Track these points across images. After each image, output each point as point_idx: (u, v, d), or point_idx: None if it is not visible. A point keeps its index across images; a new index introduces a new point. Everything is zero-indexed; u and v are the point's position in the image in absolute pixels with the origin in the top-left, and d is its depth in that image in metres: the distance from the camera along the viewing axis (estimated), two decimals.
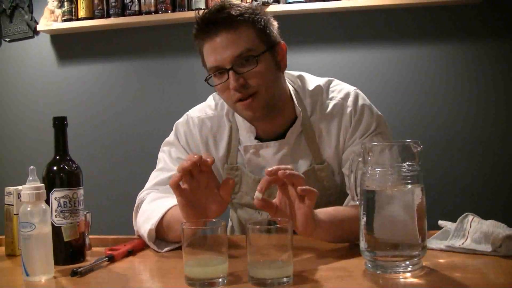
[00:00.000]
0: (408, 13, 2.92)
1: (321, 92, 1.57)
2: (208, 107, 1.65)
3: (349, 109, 1.53)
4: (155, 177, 1.59)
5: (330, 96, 1.57)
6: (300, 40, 2.96)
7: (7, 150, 3.33)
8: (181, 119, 1.67)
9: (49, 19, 3.04)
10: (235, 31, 1.39)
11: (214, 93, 1.66)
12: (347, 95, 1.56)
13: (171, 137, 1.66)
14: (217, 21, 1.40)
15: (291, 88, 1.57)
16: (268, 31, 1.45)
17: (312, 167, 1.55)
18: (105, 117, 3.23)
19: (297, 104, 1.54)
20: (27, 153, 3.23)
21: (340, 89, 1.59)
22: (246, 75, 1.40)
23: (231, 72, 1.39)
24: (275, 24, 1.50)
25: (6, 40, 3.30)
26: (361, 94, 1.58)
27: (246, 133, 1.57)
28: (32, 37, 3.26)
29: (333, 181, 1.57)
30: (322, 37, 3.02)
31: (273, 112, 1.49)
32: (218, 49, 1.40)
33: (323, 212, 1.27)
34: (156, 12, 2.97)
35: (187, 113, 1.67)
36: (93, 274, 1.17)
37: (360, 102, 1.55)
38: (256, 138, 1.56)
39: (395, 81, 2.97)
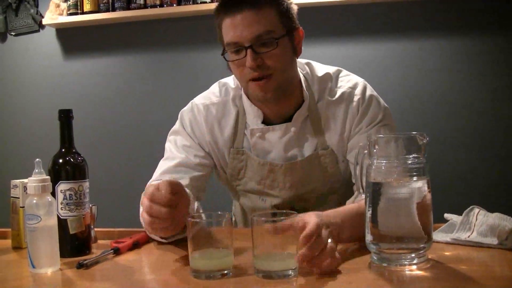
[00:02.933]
0: (420, 5, 2.90)
1: (330, 79, 1.58)
2: (213, 94, 1.65)
3: (357, 98, 1.54)
4: (161, 166, 1.60)
5: (339, 84, 1.58)
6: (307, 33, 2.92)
7: (14, 143, 3.34)
8: (186, 107, 1.67)
9: (55, 13, 3.04)
10: (259, 10, 1.40)
11: (219, 80, 1.68)
12: (356, 85, 1.57)
13: (176, 125, 1.67)
14: None
15: (300, 73, 1.58)
16: (289, 15, 1.47)
17: (316, 152, 1.56)
18: (111, 111, 3.24)
19: (305, 89, 1.55)
20: (33, 147, 3.24)
21: (349, 79, 1.60)
22: (264, 56, 1.41)
23: (249, 51, 1.40)
24: (295, 8, 1.51)
25: (12, 34, 3.30)
26: (369, 85, 1.60)
27: (253, 118, 1.58)
28: (37, 31, 3.26)
29: (337, 168, 1.58)
30: (329, 29, 3.01)
31: (283, 95, 1.49)
32: (239, 26, 1.40)
33: (335, 216, 1.22)
34: (161, 5, 2.97)
35: (192, 100, 1.67)
36: (99, 266, 1.17)
37: (368, 92, 1.56)
38: (262, 122, 1.57)
39: (402, 74, 2.95)
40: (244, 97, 1.58)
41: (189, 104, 1.67)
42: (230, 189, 1.74)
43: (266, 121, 1.57)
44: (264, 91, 1.45)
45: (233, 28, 1.42)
